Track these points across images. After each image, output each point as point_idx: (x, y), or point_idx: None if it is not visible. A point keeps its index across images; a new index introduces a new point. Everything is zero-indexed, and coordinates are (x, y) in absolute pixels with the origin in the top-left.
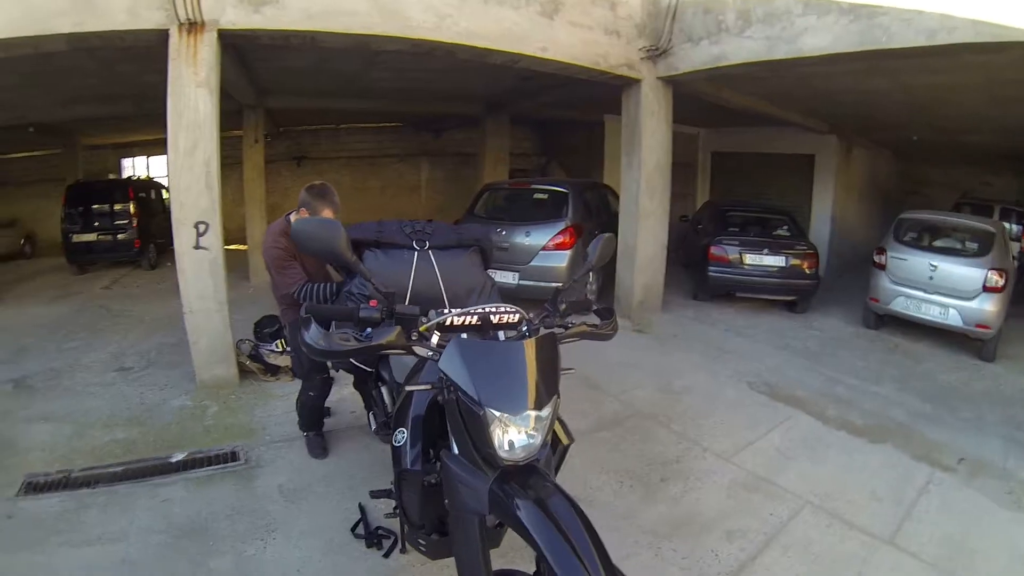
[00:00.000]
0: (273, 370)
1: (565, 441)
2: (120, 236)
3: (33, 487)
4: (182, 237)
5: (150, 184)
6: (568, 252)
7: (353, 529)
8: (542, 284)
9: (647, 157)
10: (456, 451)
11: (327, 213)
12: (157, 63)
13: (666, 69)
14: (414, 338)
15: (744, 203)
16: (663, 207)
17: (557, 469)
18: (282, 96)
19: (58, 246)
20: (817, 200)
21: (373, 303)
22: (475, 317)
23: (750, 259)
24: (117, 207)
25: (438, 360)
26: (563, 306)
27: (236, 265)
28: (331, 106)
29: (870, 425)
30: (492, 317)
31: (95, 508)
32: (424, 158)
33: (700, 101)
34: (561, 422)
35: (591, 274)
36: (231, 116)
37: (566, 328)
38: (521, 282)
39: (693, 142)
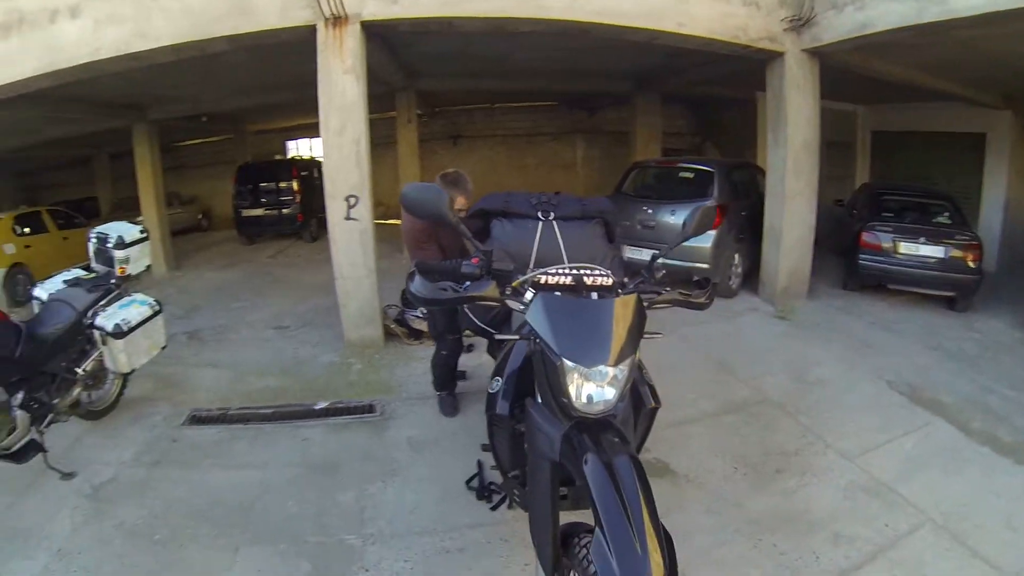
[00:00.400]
0: (416, 334)
1: (652, 404)
2: (284, 211)
3: (196, 419)
4: (334, 209)
5: (312, 163)
6: (713, 232)
7: (468, 482)
8: (686, 264)
9: (793, 134)
10: (540, 400)
11: (460, 200)
12: (310, 54)
13: (811, 40)
14: (507, 293)
15: (902, 186)
16: (811, 187)
17: (646, 432)
18: (431, 78)
19: (230, 220)
20: (988, 184)
21: (475, 260)
22: (569, 277)
23: (905, 248)
24: (282, 185)
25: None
26: (661, 273)
27: (392, 238)
28: (480, 86)
29: (1020, 443)
30: (586, 278)
31: (245, 440)
32: (579, 136)
33: (854, 74)
34: (650, 386)
35: (736, 256)
36: (385, 98)
37: (659, 294)
38: (666, 260)
39: (851, 120)
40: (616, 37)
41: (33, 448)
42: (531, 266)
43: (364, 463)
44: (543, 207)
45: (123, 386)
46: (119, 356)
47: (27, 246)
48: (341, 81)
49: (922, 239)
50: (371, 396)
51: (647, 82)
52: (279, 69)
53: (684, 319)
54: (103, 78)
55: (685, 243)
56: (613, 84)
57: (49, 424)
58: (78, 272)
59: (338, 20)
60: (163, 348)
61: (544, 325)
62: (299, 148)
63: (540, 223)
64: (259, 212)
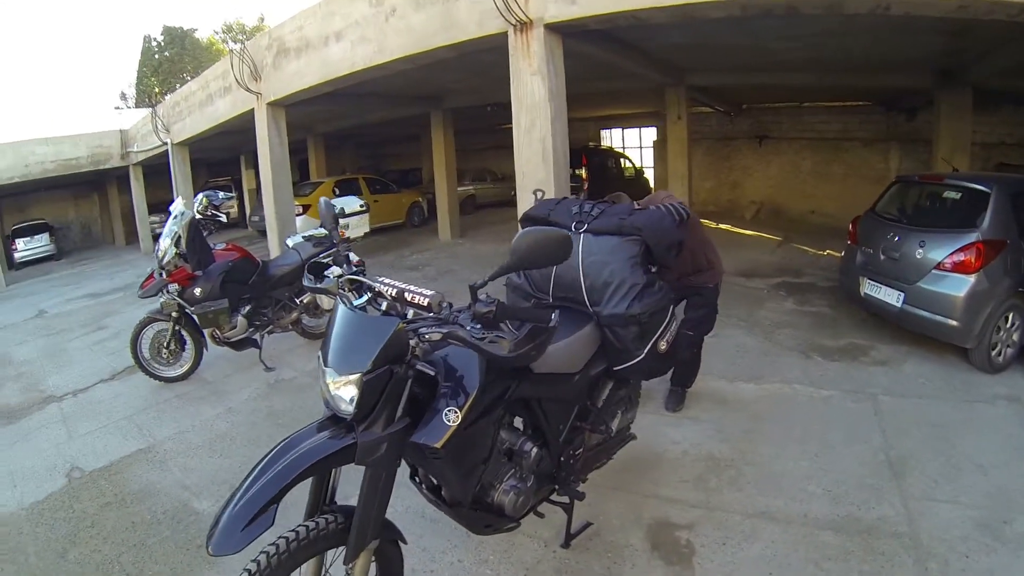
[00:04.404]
0: None
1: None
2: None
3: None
4: (523, 201)
5: (608, 152)
6: (971, 277)
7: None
8: (929, 315)
9: None
10: None
11: None
12: None
13: None
14: (343, 289)
15: None
16: None
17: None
18: (697, 73)
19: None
20: None
21: (357, 262)
22: (394, 290)
23: None
24: (574, 170)
25: None
26: (486, 309)
27: None
28: (748, 81)
29: None
30: (407, 295)
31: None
32: (894, 143)
33: None
34: None
35: (1012, 316)
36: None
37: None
38: (905, 306)
39: None
40: (834, 10)
41: (249, 343)
42: (552, 283)
43: None
44: (581, 218)
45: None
46: (323, 298)
47: None
48: (529, 82)
49: None
50: None
51: (949, 74)
52: None
53: (895, 383)
54: (388, 77)
55: (928, 285)
56: (903, 77)
57: (270, 332)
58: (319, 231)
59: (524, 25)
60: None
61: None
62: (612, 137)
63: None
64: None
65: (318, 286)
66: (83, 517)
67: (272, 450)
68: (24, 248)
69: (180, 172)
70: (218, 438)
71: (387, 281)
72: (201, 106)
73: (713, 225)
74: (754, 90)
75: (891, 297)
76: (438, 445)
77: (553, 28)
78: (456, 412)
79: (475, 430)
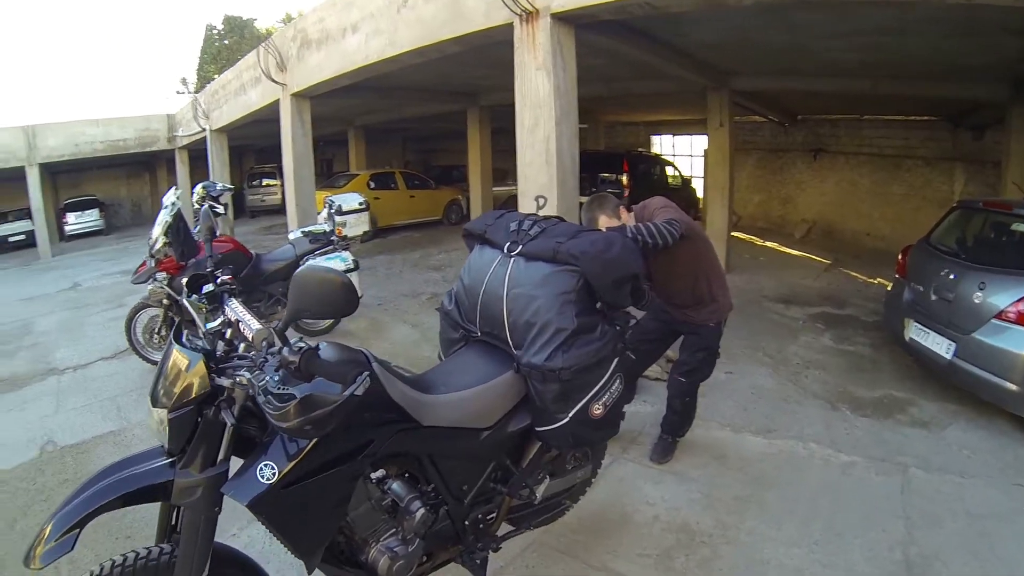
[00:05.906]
0: None
1: None
2: None
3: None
4: (524, 208)
5: (653, 159)
6: None
7: None
8: (986, 376)
9: None
10: None
11: (610, 221)
12: None
13: None
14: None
15: None
16: None
17: None
18: (741, 77)
19: None
20: None
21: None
22: (235, 317)
23: None
24: (610, 175)
25: None
26: (293, 358)
27: None
28: (795, 86)
29: None
30: (240, 326)
31: None
32: (959, 164)
33: None
34: None
35: None
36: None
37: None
38: (956, 359)
39: None
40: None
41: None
42: (478, 310)
43: None
44: (518, 236)
45: (337, 320)
46: None
47: (376, 198)
48: (534, 77)
49: None
50: None
51: (1023, 85)
52: None
53: (934, 452)
54: (405, 70)
55: (986, 337)
56: (970, 87)
57: None
58: (317, 227)
59: (530, 16)
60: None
61: None
62: (662, 143)
63: (499, 257)
64: (585, 198)
65: (185, 302)
66: (41, 490)
67: (102, 469)
68: (74, 222)
69: (218, 158)
70: None
71: (234, 306)
72: (236, 95)
73: (759, 242)
74: (808, 99)
75: (940, 347)
76: (247, 504)
77: (561, 18)
78: (274, 468)
79: (309, 489)
